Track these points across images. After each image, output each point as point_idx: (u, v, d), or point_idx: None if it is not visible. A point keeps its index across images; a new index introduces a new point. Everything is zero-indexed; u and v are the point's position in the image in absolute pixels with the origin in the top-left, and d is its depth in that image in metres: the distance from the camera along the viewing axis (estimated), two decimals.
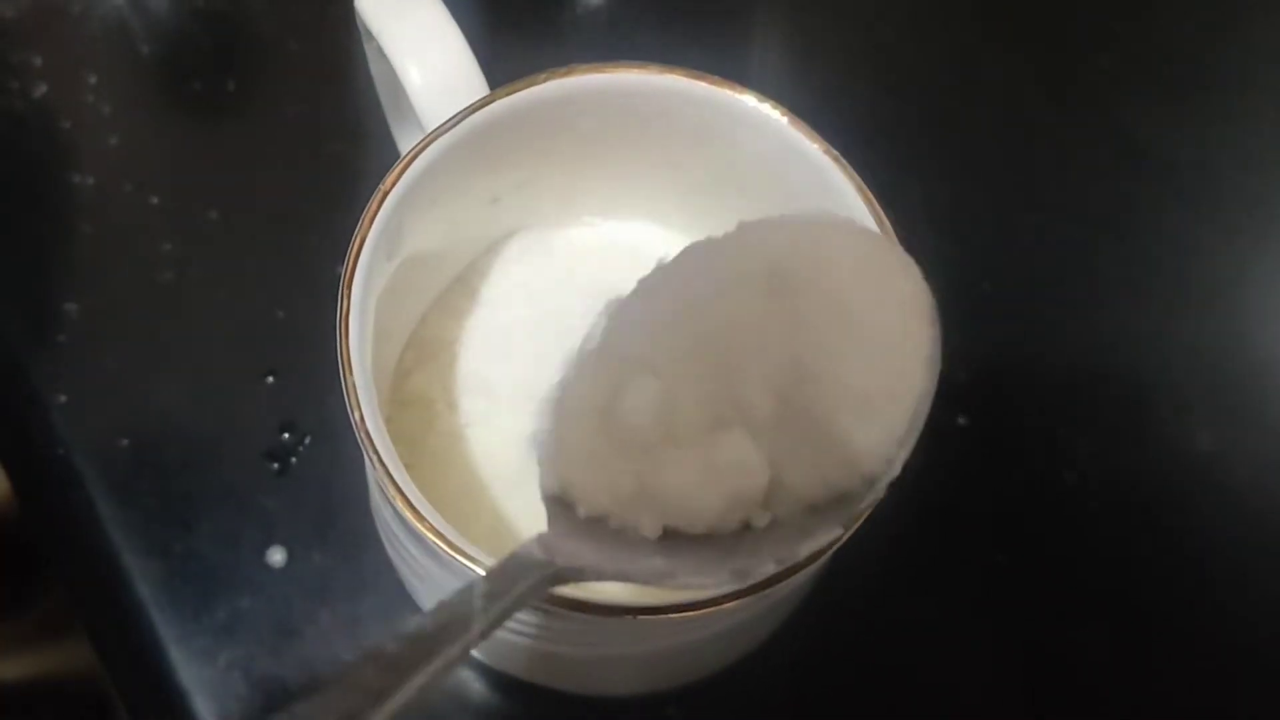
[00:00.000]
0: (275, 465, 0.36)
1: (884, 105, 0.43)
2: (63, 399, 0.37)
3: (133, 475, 0.36)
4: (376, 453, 0.24)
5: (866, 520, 0.24)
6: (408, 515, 0.24)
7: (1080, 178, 0.42)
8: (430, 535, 0.24)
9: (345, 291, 0.25)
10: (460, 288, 0.33)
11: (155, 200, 0.40)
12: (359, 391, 0.25)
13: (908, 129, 0.42)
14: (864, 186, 0.27)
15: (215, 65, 0.43)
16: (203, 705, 0.34)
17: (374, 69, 0.33)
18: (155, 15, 0.43)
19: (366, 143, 0.40)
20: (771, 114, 0.28)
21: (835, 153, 0.27)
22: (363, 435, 0.25)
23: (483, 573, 0.24)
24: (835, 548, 0.24)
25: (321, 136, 0.41)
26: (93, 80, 0.42)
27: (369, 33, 0.29)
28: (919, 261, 0.26)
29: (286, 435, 0.36)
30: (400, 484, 0.24)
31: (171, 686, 0.34)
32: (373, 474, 0.27)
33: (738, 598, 0.24)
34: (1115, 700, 0.34)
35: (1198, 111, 0.44)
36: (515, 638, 0.28)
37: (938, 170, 0.42)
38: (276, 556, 0.35)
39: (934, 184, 0.41)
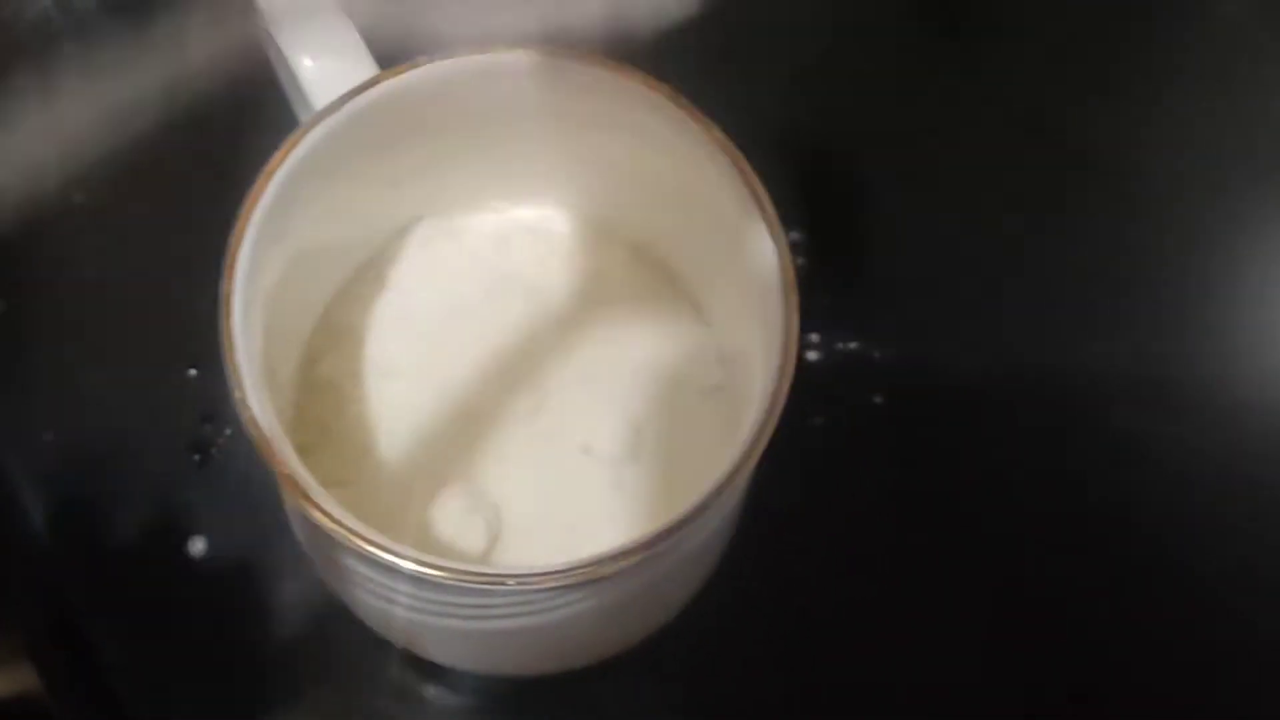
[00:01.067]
0: (197, 456, 0.36)
1: (823, 109, 0.42)
2: None
3: (56, 468, 0.36)
4: (258, 426, 0.25)
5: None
6: (287, 488, 0.24)
7: (1016, 177, 0.42)
8: (306, 505, 0.24)
9: (229, 272, 0.26)
10: (367, 274, 0.33)
11: (79, 199, 0.40)
12: (242, 370, 0.25)
13: (847, 134, 0.42)
14: (739, 156, 0.27)
15: None
16: (126, 694, 0.34)
17: (280, 74, 0.33)
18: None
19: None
20: (651, 94, 0.28)
21: (708, 120, 0.27)
22: (243, 413, 0.25)
23: (367, 547, 0.24)
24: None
25: (247, 136, 0.41)
26: None
27: (269, 35, 0.30)
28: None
29: (208, 426, 0.37)
30: (282, 455, 0.24)
31: (97, 677, 0.34)
32: None
33: (625, 558, 0.24)
34: (1060, 683, 0.35)
35: (1145, 115, 0.43)
36: (426, 618, 0.28)
37: (869, 163, 0.42)
38: (198, 546, 0.35)
39: (863, 171, 0.41)
